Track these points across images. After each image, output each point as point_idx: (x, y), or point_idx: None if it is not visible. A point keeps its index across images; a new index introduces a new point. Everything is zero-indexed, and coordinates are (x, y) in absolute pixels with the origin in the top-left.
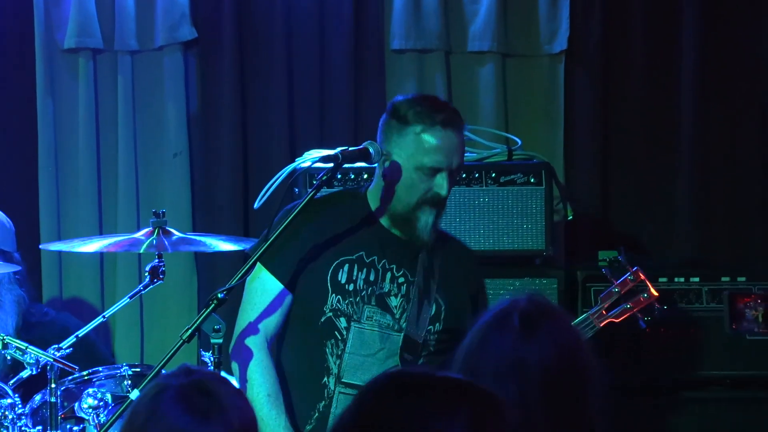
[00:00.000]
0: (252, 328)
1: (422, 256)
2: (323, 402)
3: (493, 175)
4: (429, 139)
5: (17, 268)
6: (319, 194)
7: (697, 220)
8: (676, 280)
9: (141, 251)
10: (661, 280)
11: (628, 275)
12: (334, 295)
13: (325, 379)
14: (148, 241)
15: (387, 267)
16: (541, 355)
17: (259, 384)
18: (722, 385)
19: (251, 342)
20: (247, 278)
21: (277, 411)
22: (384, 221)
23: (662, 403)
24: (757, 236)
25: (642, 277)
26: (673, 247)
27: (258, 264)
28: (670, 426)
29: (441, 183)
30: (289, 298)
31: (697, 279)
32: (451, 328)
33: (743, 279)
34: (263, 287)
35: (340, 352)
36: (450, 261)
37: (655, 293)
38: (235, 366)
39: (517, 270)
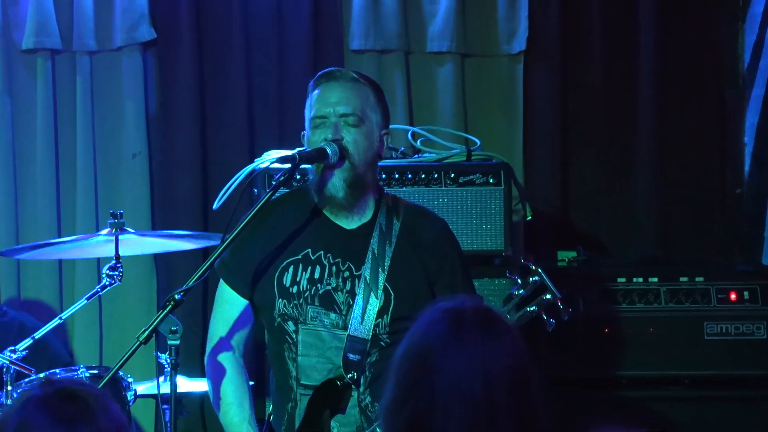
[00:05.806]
0: (222, 344)
1: (372, 243)
2: (290, 404)
3: (452, 175)
4: (312, 94)
5: None
6: (276, 195)
7: (658, 217)
8: (634, 280)
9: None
10: (619, 280)
11: (531, 277)
12: (280, 299)
13: (290, 381)
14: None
15: (332, 261)
16: (504, 355)
17: (231, 400)
18: (680, 384)
19: (223, 359)
20: (217, 290)
21: (240, 418)
22: (326, 211)
23: (617, 402)
24: (718, 231)
25: (544, 278)
26: (634, 246)
27: (221, 278)
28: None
29: (326, 129)
30: (253, 309)
31: (655, 279)
32: (402, 317)
33: (701, 279)
34: (228, 300)
35: (294, 356)
36: (406, 244)
37: (558, 294)
38: (209, 382)
39: (476, 270)
